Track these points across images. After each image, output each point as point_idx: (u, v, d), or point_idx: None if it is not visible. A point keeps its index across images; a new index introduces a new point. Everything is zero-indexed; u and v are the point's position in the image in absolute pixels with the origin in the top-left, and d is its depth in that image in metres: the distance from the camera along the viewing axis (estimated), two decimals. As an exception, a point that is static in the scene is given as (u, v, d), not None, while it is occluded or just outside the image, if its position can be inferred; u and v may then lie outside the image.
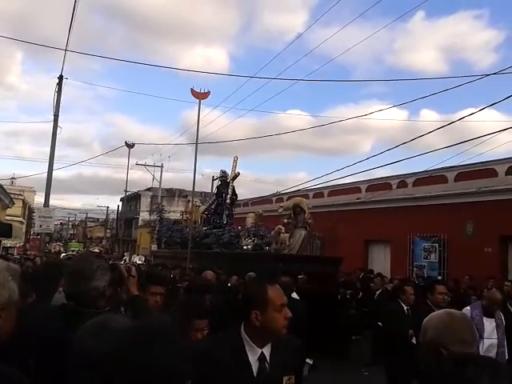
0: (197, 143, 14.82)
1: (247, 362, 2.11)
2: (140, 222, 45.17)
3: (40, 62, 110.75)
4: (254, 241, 14.19)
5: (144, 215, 44.99)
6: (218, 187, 17.50)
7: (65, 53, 13.69)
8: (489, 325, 5.14)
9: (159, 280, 3.51)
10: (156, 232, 22.26)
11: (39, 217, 15.74)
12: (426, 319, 1.95)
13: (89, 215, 71.90)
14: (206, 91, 14.55)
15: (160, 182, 38.45)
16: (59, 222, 75.72)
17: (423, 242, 16.15)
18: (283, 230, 12.55)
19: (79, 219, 79.27)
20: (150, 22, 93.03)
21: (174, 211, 31.46)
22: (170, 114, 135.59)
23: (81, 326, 1.65)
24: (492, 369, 1.18)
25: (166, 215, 22.56)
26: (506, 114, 73.26)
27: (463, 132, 52.00)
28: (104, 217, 63.86)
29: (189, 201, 27.96)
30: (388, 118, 78.20)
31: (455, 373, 1.21)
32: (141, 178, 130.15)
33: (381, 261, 18.00)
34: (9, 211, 29.76)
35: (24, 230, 42.78)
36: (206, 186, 31.19)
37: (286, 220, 12.50)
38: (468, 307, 5.40)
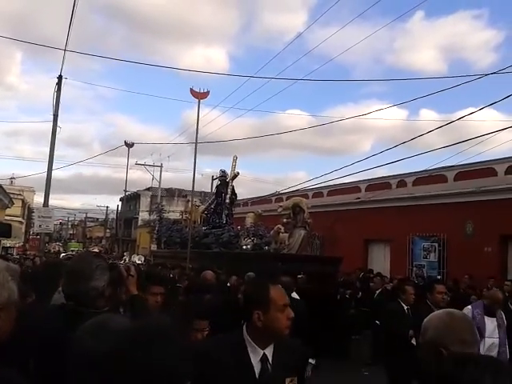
0: (196, 143, 14.84)
1: (249, 363, 2.09)
2: (139, 222, 45.15)
3: (40, 62, 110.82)
4: (253, 240, 14.20)
5: (143, 215, 44.98)
6: (217, 187, 17.51)
7: (64, 53, 13.67)
8: (490, 324, 5.14)
9: (159, 280, 3.50)
10: (155, 232, 22.27)
11: (39, 217, 15.70)
12: (426, 319, 1.94)
13: (88, 215, 71.88)
14: (205, 91, 14.54)
15: (159, 182, 38.43)
16: (59, 222, 75.67)
17: (423, 241, 16.16)
18: (282, 230, 12.56)
19: (79, 219, 79.22)
20: (150, 21, 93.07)
21: (173, 211, 31.45)
22: (169, 114, 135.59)
23: (80, 326, 1.65)
24: (494, 368, 1.18)
25: (165, 215, 22.55)
26: (505, 114, 73.42)
27: (463, 131, 52.11)
28: (103, 217, 63.89)
29: (188, 200, 27.97)
30: (387, 117, 78.13)
31: (456, 373, 1.21)
32: (140, 178, 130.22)
33: (380, 260, 18.01)
34: (8, 211, 29.70)
35: (23, 230, 42.71)
36: (206, 185, 31.30)
37: (285, 220, 12.51)
38: (469, 306, 5.40)
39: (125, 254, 35.66)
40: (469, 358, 1.33)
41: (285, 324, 2.12)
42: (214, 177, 24.96)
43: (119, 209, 48.76)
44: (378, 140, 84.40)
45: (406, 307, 5.71)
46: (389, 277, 13.04)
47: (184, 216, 22.32)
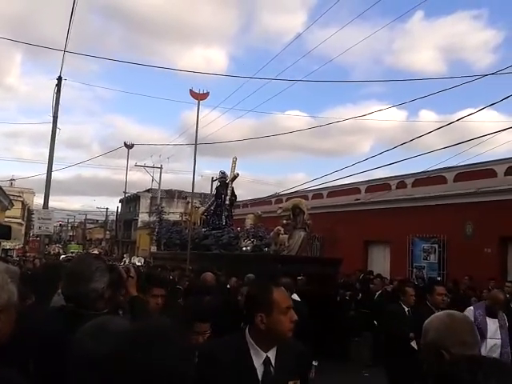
0: (196, 144, 14.84)
1: (252, 366, 2.07)
2: (139, 224, 45.14)
3: (39, 64, 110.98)
4: (253, 242, 14.19)
5: (143, 216, 44.99)
6: (217, 188, 17.49)
7: (63, 54, 13.71)
8: (492, 325, 5.13)
9: (160, 282, 3.50)
10: (155, 233, 22.22)
11: (38, 218, 15.70)
12: (427, 321, 1.94)
13: (88, 217, 71.88)
14: (205, 92, 14.55)
15: (159, 184, 38.39)
16: (58, 224, 75.70)
17: (423, 242, 16.15)
18: (282, 231, 12.54)
19: (78, 221, 79.22)
20: (149, 22, 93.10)
21: (173, 212, 31.47)
22: (169, 115, 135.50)
23: (80, 327, 1.65)
24: (497, 369, 1.17)
25: (165, 216, 22.52)
26: (504, 114, 73.38)
27: (462, 132, 51.99)
28: (103, 218, 63.86)
29: (188, 202, 27.93)
30: (387, 118, 78.03)
31: (457, 374, 1.20)
32: (140, 180, 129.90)
33: (380, 262, 18.00)
34: (8, 213, 29.70)
35: (23, 232, 42.68)
36: (206, 187, 31.24)
37: (285, 221, 12.48)
38: (471, 307, 5.40)
39: (125, 255, 35.61)
40: (470, 359, 1.33)
41: (288, 327, 2.10)
42: (214, 178, 24.93)
43: (119, 210, 48.75)
44: (378, 141, 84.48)
45: (406, 309, 5.70)
46: (389, 278, 13.04)
47: (184, 217, 22.28)
